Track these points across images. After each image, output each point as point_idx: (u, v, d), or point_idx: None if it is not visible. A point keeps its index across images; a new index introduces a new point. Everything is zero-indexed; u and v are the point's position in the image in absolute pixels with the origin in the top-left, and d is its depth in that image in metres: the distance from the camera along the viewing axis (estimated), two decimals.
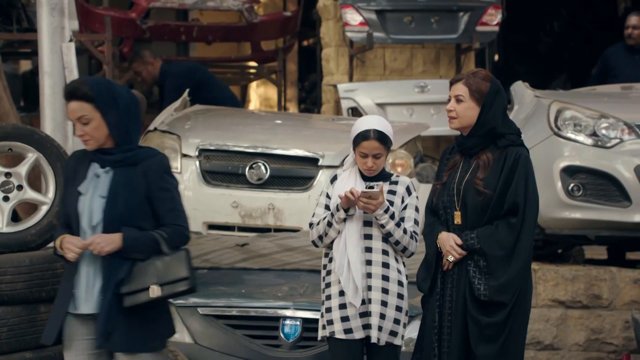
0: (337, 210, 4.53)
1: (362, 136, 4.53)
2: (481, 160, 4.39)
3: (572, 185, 6.78)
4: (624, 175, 6.71)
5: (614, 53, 8.70)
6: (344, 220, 4.54)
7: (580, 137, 6.85)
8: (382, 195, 4.48)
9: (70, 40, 5.73)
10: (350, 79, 10.09)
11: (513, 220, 4.32)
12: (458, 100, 4.39)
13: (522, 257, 4.31)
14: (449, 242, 4.37)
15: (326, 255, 4.62)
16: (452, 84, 4.43)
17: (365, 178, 4.59)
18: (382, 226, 4.51)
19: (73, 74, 5.61)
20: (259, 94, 13.30)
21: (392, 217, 4.51)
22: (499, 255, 4.30)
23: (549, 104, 7.02)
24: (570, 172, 6.78)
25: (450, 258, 4.38)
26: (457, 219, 4.39)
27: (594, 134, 6.83)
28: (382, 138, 4.51)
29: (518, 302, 4.32)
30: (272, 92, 12.47)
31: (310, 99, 13.23)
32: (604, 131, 6.84)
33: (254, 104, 13.21)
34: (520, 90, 7.51)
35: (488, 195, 4.32)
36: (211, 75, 9.06)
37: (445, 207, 4.43)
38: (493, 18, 9.86)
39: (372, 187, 4.54)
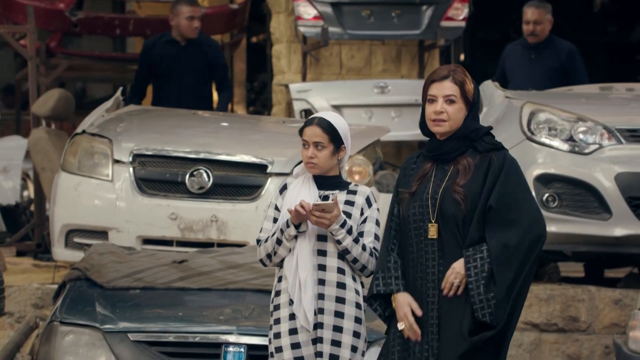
0: (287, 226, 4.41)
1: (306, 123, 4.49)
2: (460, 165, 4.25)
3: (546, 195, 6.76)
4: (603, 184, 6.71)
5: (511, 52, 8.59)
6: (295, 237, 4.42)
7: (556, 142, 6.84)
8: (338, 208, 4.37)
9: None
10: (304, 79, 10.09)
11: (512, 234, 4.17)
12: (450, 101, 4.25)
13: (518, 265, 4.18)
14: (404, 309, 4.23)
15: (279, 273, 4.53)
16: (435, 81, 4.27)
17: (319, 186, 4.48)
18: (339, 242, 4.41)
19: None
20: None
21: (349, 232, 4.40)
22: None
23: (521, 106, 7.02)
24: (544, 180, 6.77)
25: (401, 326, 4.24)
26: (432, 232, 4.24)
27: (570, 139, 6.83)
28: (326, 127, 4.43)
29: (510, 318, 4.20)
30: None
31: (260, 100, 13.27)
32: (581, 136, 6.84)
33: None
34: (490, 90, 7.48)
35: (469, 204, 4.19)
36: None
37: (416, 219, 4.28)
38: (459, 13, 9.92)
39: (327, 197, 4.43)
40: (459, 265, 4.18)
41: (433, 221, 4.22)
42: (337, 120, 4.46)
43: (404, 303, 4.24)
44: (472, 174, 4.22)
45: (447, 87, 4.23)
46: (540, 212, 4.25)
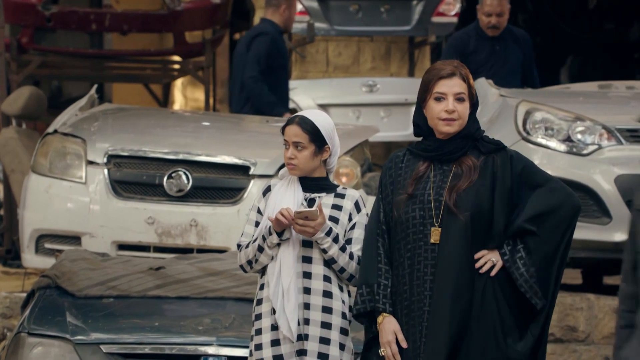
0: (270, 233, 4.33)
1: (287, 122, 4.43)
2: (465, 165, 4.15)
3: None
4: (602, 187, 6.69)
5: (466, 42, 8.28)
6: (278, 244, 4.35)
7: (553, 143, 6.81)
8: (322, 215, 4.28)
9: None
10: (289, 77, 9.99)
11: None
12: (460, 99, 4.17)
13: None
14: (388, 337, 4.16)
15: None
16: (443, 78, 4.16)
17: (305, 189, 4.40)
18: (324, 251, 4.33)
19: None
20: (184, 94, 13.20)
21: (335, 240, 4.32)
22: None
23: (517, 105, 6.99)
24: None
25: (382, 352, 4.17)
26: (435, 237, 4.14)
27: (568, 139, 6.80)
28: (306, 126, 4.36)
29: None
30: (199, 91, 12.38)
31: None
32: (579, 136, 6.81)
33: (179, 105, 13.10)
34: (484, 88, 7.46)
35: (478, 207, 4.11)
36: None
37: (416, 223, 4.18)
38: (451, 8, 9.94)
39: (312, 200, 4.36)
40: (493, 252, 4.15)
41: (437, 225, 4.13)
42: (320, 119, 4.39)
43: (389, 330, 4.17)
44: (478, 175, 4.13)
45: (456, 85, 4.15)
46: (567, 187, 4.23)
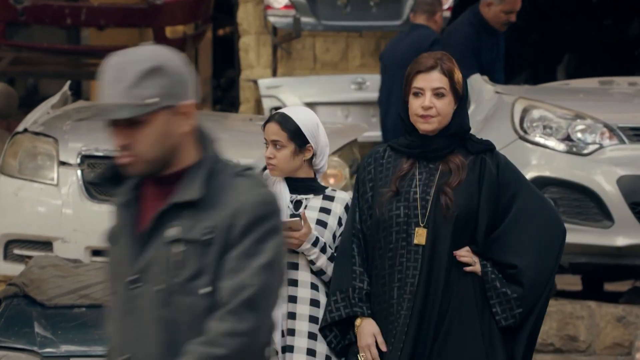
0: None
1: (267, 119, 4.37)
2: (452, 163, 4.08)
3: None
4: (604, 188, 6.64)
5: (476, 37, 8.17)
6: None
7: (551, 142, 6.78)
8: (307, 224, 4.20)
9: None
10: (274, 74, 10.06)
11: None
12: (439, 95, 4.07)
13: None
14: (367, 340, 4.09)
15: None
16: (420, 72, 4.09)
17: (292, 190, 4.32)
18: (312, 262, 4.24)
19: None
20: None
21: (323, 250, 4.23)
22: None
23: (513, 102, 6.96)
24: (539, 184, 6.62)
25: (361, 358, 4.10)
26: (420, 239, 4.06)
27: (567, 138, 6.77)
28: (286, 124, 4.27)
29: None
30: None
31: (227, 98, 13.32)
32: (579, 135, 6.78)
33: None
34: (479, 85, 7.44)
35: (465, 208, 4.06)
36: None
37: (400, 222, 4.09)
38: (443, 1, 9.79)
39: (299, 202, 4.27)
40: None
41: (422, 225, 4.05)
42: (301, 116, 4.30)
43: (369, 333, 4.09)
44: (466, 175, 4.08)
45: (435, 79, 4.06)
46: (552, 206, 4.22)
